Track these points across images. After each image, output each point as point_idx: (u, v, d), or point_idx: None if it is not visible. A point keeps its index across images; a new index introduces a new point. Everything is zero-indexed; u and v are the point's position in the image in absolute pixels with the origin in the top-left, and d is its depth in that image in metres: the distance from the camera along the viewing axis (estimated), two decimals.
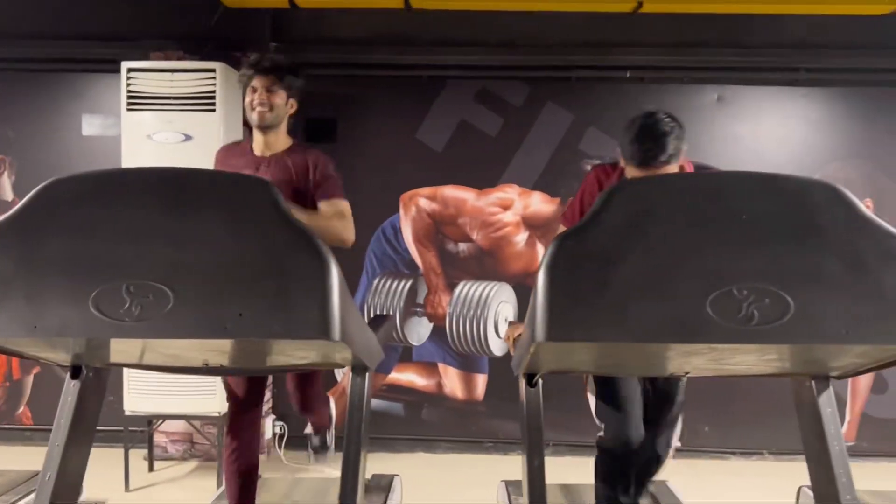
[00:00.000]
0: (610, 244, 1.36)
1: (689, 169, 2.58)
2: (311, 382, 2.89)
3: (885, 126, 4.62)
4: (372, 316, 4.63)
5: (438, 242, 4.76)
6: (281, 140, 2.69)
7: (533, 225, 4.74)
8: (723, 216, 1.36)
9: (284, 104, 2.65)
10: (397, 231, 4.75)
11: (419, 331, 4.77)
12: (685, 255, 1.34)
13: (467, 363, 4.77)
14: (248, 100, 2.64)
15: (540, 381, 1.84)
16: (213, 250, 1.35)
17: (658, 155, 2.21)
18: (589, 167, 4.77)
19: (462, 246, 4.77)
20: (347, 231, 2.59)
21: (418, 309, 4.77)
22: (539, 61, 4.65)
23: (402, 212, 4.75)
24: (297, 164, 2.63)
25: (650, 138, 2.22)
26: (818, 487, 1.79)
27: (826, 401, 1.77)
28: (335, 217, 2.58)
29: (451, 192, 4.75)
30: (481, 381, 4.76)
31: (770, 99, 4.67)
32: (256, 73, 2.62)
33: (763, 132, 4.66)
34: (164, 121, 4.06)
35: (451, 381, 4.77)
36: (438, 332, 4.76)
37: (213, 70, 4.06)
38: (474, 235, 4.75)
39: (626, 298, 1.32)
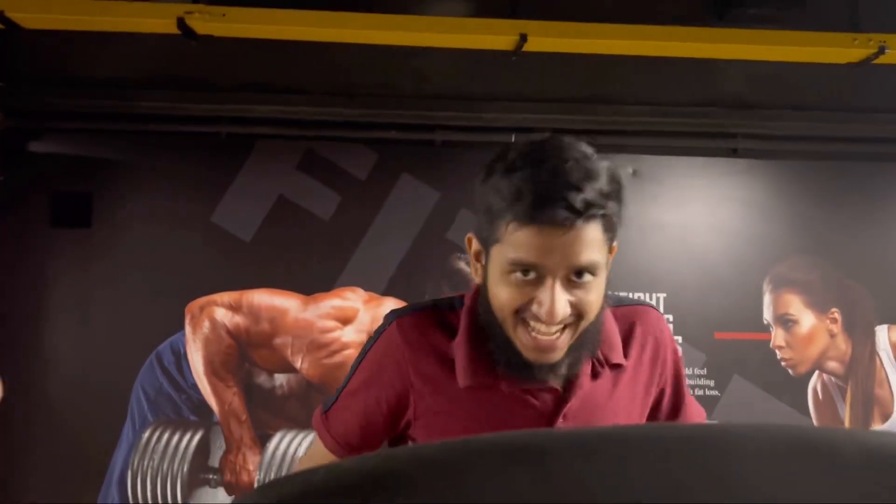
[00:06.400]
0: None
1: None
2: None
3: (848, 211, 3.52)
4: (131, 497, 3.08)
5: (244, 374, 3.30)
6: None
7: None
8: None
9: None
10: (181, 358, 3.27)
11: None
12: None
13: None
14: None
15: None
16: None
17: (567, 194, 0.94)
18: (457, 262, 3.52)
19: (279, 379, 3.33)
20: None
21: (212, 476, 3.25)
22: (389, 117, 3.39)
23: (188, 329, 3.28)
24: None
25: (550, 167, 0.96)
26: None
27: None
28: None
29: (265, 298, 3.33)
30: None
31: (700, 174, 3.52)
32: None
33: (692, 218, 3.48)
34: None
35: None
36: None
37: None
38: (299, 363, 3.32)
39: None
